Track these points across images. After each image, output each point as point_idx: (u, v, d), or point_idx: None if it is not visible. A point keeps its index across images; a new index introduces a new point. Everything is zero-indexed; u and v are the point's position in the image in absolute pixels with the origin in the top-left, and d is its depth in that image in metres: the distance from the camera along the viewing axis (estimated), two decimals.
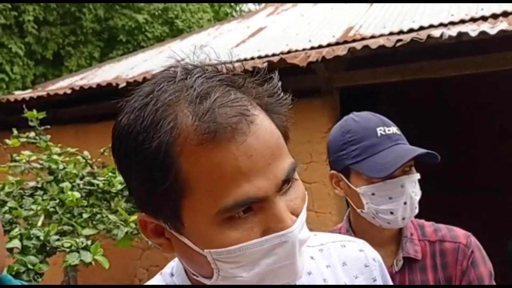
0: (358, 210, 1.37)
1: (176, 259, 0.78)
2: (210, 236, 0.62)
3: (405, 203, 1.31)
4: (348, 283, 0.82)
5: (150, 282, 0.79)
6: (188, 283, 0.74)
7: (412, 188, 1.32)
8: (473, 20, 5.40)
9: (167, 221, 0.65)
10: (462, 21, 5.44)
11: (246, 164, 0.60)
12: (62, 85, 7.95)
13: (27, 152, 2.65)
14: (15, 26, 12.71)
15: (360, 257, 0.86)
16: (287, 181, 0.64)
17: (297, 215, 0.65)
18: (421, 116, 6.17)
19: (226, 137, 0.60)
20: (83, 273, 4.27)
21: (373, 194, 1.31)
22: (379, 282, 0.86)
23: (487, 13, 5.44)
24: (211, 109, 0.60)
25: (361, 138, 1.33)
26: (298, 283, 0.76)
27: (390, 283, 0.90)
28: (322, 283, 0.80)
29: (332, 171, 1.41)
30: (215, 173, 0.60)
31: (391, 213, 1.31)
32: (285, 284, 0.67)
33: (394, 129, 1.34)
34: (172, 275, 0.76)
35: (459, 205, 5.54)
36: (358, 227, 1.42)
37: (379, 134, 1.31)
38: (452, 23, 5.46)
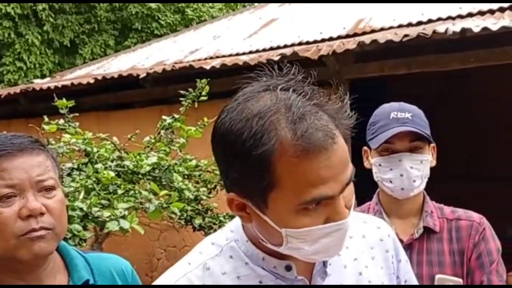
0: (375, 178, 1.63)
1: (233, 220, 1.00)
2: (288, 219, 0.83)
3: (401, 175, 1.54)
4: (365, 252, 1.02)
5: (213, 236, 1.00)
6: (244, 238, 0.93)
7: (411, 164, 1.54)
8: (481, 13, 5.52)
9: (253, 203, 0.85)
10: (470, 14, 5.56)
11: (326, 173, 0.80)
12: (79, 74, 8.20)
13: (67, 136, 2.91)
14: (32, 15, 12.97)
15: (377, 232, 1.06)
16: (348, 183, 0.85)
17: (349, 208, 0.86)
18: (431, 108, 6.33)
19: (315, 154, 0.79)
20: (104, 252, 4.51)
21: (380, 165, 1.58)
22: (391, 253, 1.06)
23: (495, 6, 5.55)
24: (308, 131, 0.78)
25: (378, 120, 1.59)
26: None
27: (403, 254, 1.11)
28: (345, 250, 0.97)
29: (364, 147, 1.67)
30: (302, 177, 0.80)
31: (390, 181, 1.57)
32: (330, 257, 0.91)
33: (407, 115, 1.55)
34: (231, 231, 0.96)
35: (469, 193, 5.72)
36: (383, 200, 1.67)
37: (391, 117, 1.56)
38: (460, 16, 5.59)
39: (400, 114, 1.55)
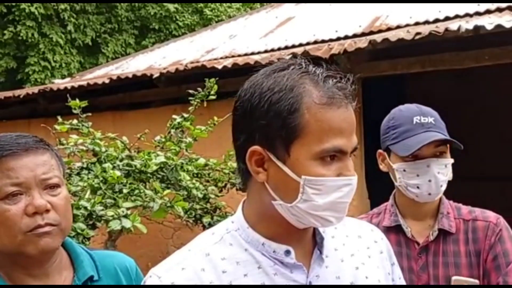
0: (396, 183, 1.61)
1: (234, 214, 1.03)
2: (308, 167, 0.90)
3: (429, 180, 1.52)
4: (361, 250, 1.06)
5: (214, 227, 1.03)
6: (245, 225, 0.97)
7: (438, 169, 1.52)
8: (499, 10, 5.42)
9: (275, 154, 0.92)
10: (488, 11, 5.47)
11: (344, 126, 0.91)
12: (99, 73, 8.33)
13: (74, 137, 2.96)
14: (55, 16, 13.21)
15: (371, 234, 1.12)
16: (354, 150, 0.94)
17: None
18: (445, 107, 6.24)
19: (337, 104, 0.90)
20: (119, 249, 4.58)
21: (404, 170, 1.55)
22: (385, 255, 1.10)
23: None
24: (331, 88, 0.91)
25: (399, 124, 1.57)
26: (326, 236, 1.01)
27: (394, 258, 1.13)
28: (341, 246, 1.03)
29: (380, 150, 1.65)
30: (326, 124, 0.90)
31: (418, 187, 1.54)
32: (335, 220, 0.94)
33: (430, 119, 1.54)
34: (232, 222, 1.01)
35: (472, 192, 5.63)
36: (400, 202, 1.65)
37: (414, 122, 1.54)
38: (478, 14, 5.49)
39: (424, 119, 1.54)
